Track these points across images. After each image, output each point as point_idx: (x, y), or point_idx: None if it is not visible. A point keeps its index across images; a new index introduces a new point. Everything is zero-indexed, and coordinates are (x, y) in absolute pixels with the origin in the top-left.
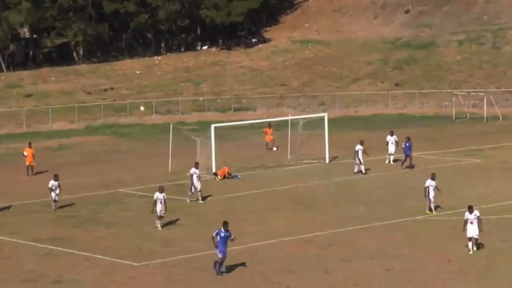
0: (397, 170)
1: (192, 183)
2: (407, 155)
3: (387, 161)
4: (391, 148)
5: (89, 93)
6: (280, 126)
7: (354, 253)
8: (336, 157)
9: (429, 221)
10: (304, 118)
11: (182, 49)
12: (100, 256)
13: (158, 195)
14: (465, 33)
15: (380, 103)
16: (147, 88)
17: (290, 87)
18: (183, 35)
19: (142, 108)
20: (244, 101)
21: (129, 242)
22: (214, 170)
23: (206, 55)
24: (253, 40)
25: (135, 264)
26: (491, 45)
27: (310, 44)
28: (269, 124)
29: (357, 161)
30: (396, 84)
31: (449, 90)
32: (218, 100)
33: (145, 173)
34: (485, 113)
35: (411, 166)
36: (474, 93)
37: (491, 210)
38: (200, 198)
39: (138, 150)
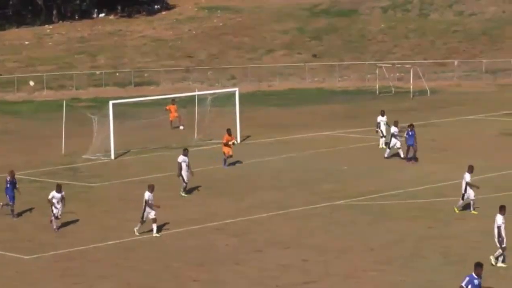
0: (314, 150)
1: (181, 174)
2: (410, 145)
3: (380, 145)
4: (384, 130)
5: None
6: (186, 102)
7: (268, 243)
8: (248, 136)
9: (349, 206)
10: (212, 94)
11: (76, 17)
12: None
13: (54, 194)
14: None
15: (296, 76)
16: (37, 61)
17: (197, 59)
18: (77, 1)
19: (31, 83)
20: (146, 74)
21: (18, 232)
22: (113, 152)
23: (103, 24)
24: (156, 6)
25: (25, 257)
26: (418, 12)
27: (219, 11)
28: (173, 100)
29: (380, 134)
30: (314, 56)
31: (372, 62)
32: (117, 74)
33: (35, 156)
34: (411, 87)
35: (414, 159)
36: (399, 65)
37: (418, 194)
38: (183, 190)
39: (28, 130)
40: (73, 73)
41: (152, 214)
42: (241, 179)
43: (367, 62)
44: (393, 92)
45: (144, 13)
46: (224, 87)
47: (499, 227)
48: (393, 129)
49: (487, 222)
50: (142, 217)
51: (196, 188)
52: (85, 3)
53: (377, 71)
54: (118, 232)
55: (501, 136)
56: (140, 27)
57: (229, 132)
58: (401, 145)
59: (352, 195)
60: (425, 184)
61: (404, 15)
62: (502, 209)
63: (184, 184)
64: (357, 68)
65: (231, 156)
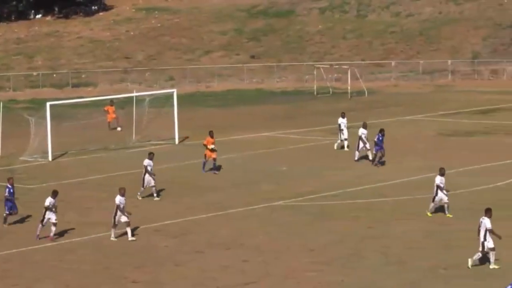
0: (253, 151)
1: (144, 177)
2: (378, 149)
3: (335, 146)
4: (346, 132)
5: None
6: (124, 103)
7: (207, 244)
8: (186, 137)
9: (288, 207)
10: (151, 95)
11: (13, 18)
12: None
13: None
14: None
15: (235, 77)
16: None
17: (135, 60)
18: (14, 2)
19: None
20: (83, 75)
21: None
22: (50, 154)
23: (41, 25)
24: (93, 7)
25: None
26: (356, 13)
27: (156, 12)
28: (111, 102)
29: (340, 137)
30: (252, 57)
31: (310, 63)
32: (54, 75)
33: None
34: (349, 87)
35: (381, 162)
36: (337, 66)
37: (358, 194)
38: (155, 194)
39: None
40: (10, 74)
41: (123, 218)
42: (180, 180)
43: (305, 63)
44: (331, 92)
45: (81, 14)
46: (162, 88)
47: (491, 231)
48: (361, 131)
49: (426, 222)
50: (114, 222)
51: (135, 188)
52: (21, 4)
53: (315, 72)
54: (56, 233)
55: (439, 136)
56: (77, 28)
57: (211, 134)
58: (369, 146)
59: (291, 195)
60: (364, 184)
61: (341, 16)
62: (488, 212)
63: (142, 189)
64: (295, 69)
65: (214, 159)
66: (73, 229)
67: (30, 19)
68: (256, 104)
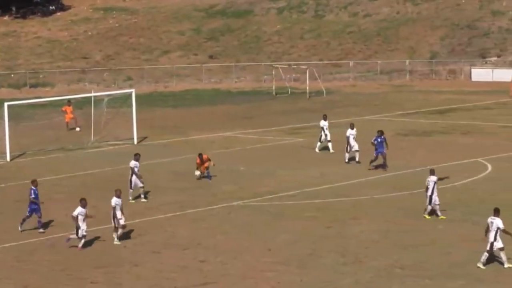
0: (211, 151)
1: (131, 179)
2: (378, 152)
3: (317, 149)
4: (328, 134)
5: None
6: (82, 103)
7: (165, 244)
8: (145, 138)
9: (246, 207)
10: (109, 95)
11: None
12: None
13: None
14: None
15: (192, 77)
16: None
17: (93, 60)
18: None
19: None
20: (41, 76)
21: None
22: (8, 154)
23: None
24: (51, 7)
25: None
26: (314, 13)
27: (114, 12)
28: (69, 102)
29: (323, 138)
30: (210, 57)
31: (268, 63)
32: (12, 75)
33: None
34: (307, 87)
35: (384, 166)
36: (295, 66)
37: (315, 194)
38: (142, 196)
39: None
40: None
41: (122, 220)
42: None
43: (263, 63)
44: (289, 92)
45: (38, 14)
46: (120, 88)
47: (504, 230)
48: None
49: (383, 221)
50: (114, 225)
51: (93, 189)
52: None
53: (273, 72)
54: (14, 234)
55: (397, 136)
56: (35, 28)
57: (200, 157)
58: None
59: (249, 195)
60: (323, 184)
61: (299, 16)
62: (497, 212)
63: (131, 190)
64: (253, 69)
65: (207, 168)
66: (31, 229)
67: None
68: (214, 104)
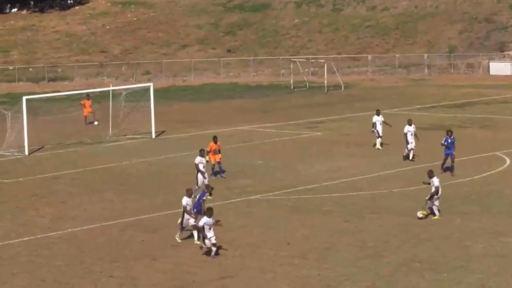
0: (229, 145)
1: (197, 176)
2: (447, 154)
3: (377, 146)
4: (380, 129)
5: None
6: (101, 97)
7: (184, 238)
8: (163, 132)
9: (265, 201)
10: (127, 89)
11: None
12: None
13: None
14: None
15: (210, 71)
16: None
17: (111, 54)
18: None
19: None
20: (59, 70)
21: None
22: (26, 148)
23: (16, 19)
24: (69, 1)
25: None
26: (331, 7)
27: (132, 6)
28: (88, 96)
29: (377, 134)
30: (229, 51)
31: (286, 57)
32: (30, 69)
33: None
34: (325, 81)
35: (451, 169)
36: (313, 60)
37: (333, 188)
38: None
39: None
40: None
41: (191, 220)
42: (157, 174)
43: (281, 57)
44: (307, 86)
45: (57, 8)
46: (139, 82)
47: None
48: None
49: (401, 216)
50: (182, 224)
51: (110, 183)
52: None
53: (291, 66)
54: (31, 228)
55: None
56: (53, 22)
57: (215, 140)
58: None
59: (267, 189)
60: (340, 178)
61: (317, 10)
62: None
63: (196, 187)
64: (271, 63)
65: (219, 163)
66: (49, 223)
67: (6, 13)
68: (232, 98)
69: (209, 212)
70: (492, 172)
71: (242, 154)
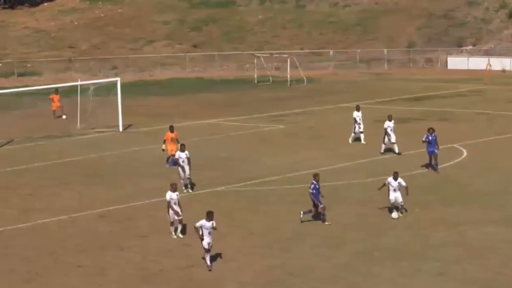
0: (195, 138)
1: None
2: (430, 153)
3: (350, 140)
4: (362, 125)
5: None
6: (69, 92)
7: (151, 228)
8: (130, 125)
9: (229, 192)
10: (95, 83)
11: None
12: None
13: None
14: None
15: (177, 66)
16: None
17: (80, 50)
18: None
19: None
20: (29, 65)
21: None
22: None
23: None
24: None
25: None
26: (295, 4)
27: (100, 2)
28: (56, 90)
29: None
30: (194, 46)
31: (250, 52)
32: (0, 65)
33: None
34: (288, 76)
35: (435, 167)
36: (277, 55)
37: (296, 180)
38: (188, 186)
39: None
40: None
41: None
42: (123, 167)
43: (246, 52)
44: (271, 81)
45: (26, 4)
46: (106, 77)
47: None
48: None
49: (360, 206)
50: (170, 219)
51: (79, 175)
52: None
53: (255, 61)
54: (0, 220)
55: (375, 123)
56: (23, 18)
57: (171, 129)
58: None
59: (232, 181)
60: (302, 170)
61: (281, 6)
62: None
63: (182, 181)
64: (236, 58)
65: (173, 155)
66: (18, 215)
67: None
68: (198, 92)
69: (209, 216)
70: (450, 163)
71: (208, 147)
